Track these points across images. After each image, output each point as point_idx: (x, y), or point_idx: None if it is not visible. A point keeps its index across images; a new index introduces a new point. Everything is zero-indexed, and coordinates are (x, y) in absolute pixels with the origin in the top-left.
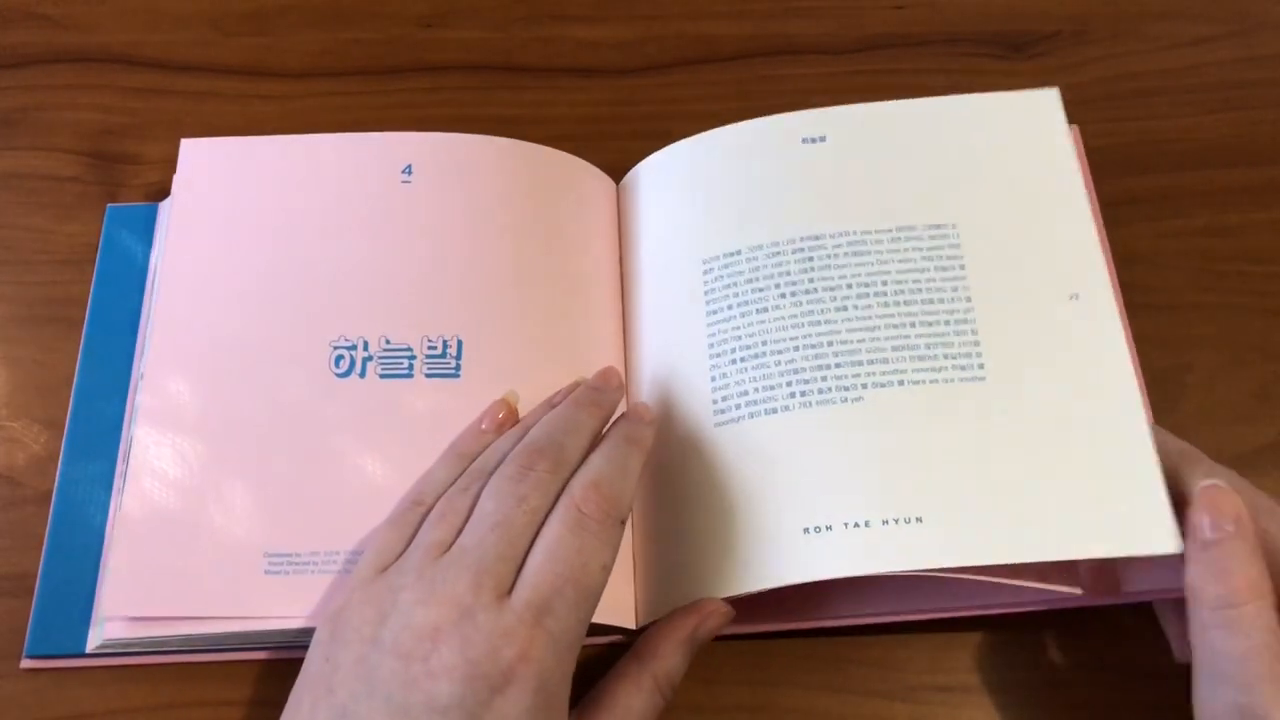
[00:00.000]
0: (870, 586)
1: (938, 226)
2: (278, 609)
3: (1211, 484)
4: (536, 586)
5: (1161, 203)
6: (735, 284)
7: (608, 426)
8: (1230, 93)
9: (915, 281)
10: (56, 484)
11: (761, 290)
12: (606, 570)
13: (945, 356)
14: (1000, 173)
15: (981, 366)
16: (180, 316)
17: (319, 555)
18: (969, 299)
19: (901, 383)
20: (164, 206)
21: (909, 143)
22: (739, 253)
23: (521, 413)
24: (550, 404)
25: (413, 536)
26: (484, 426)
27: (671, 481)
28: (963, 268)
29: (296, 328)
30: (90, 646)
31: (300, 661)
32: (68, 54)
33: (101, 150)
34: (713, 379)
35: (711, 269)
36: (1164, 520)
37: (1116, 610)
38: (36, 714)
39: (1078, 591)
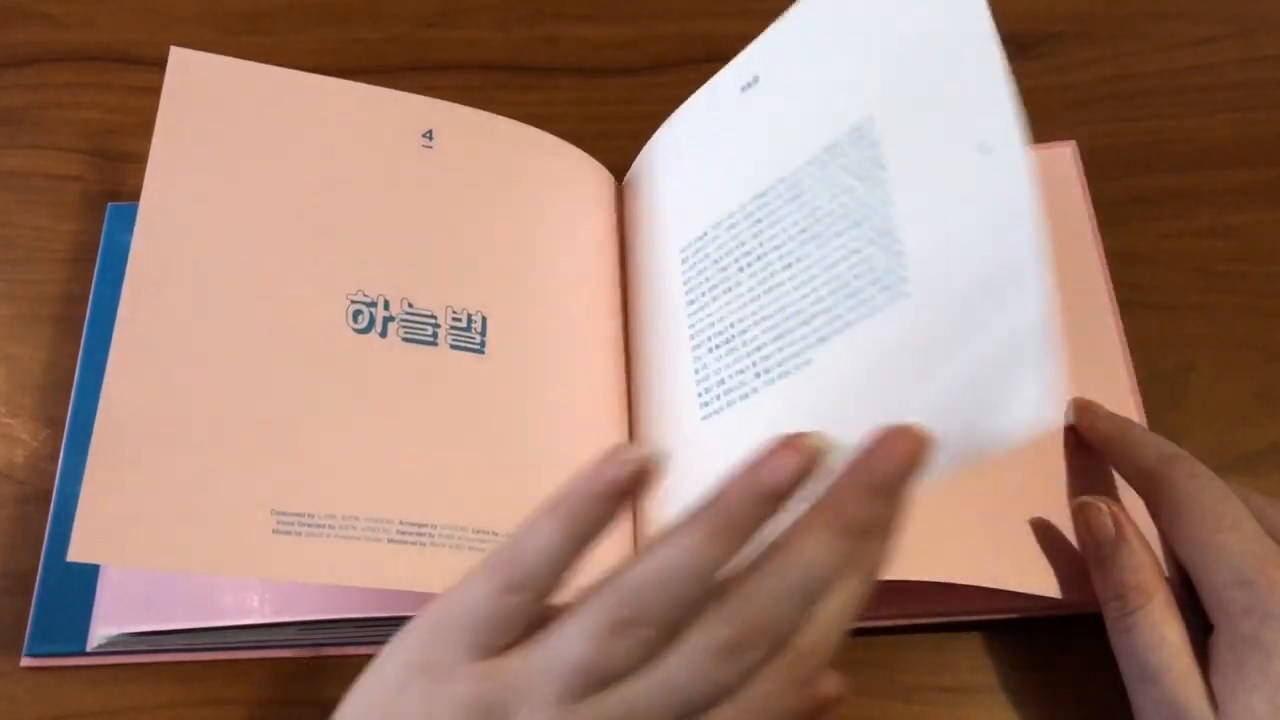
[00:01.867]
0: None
1: (856, 129)
2: (288, 571)
3: (1083, 502)
4: None
5: (1163, 203)
6: (705, 268)
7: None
8: (1232, 93)
9: (844, 206)
10: (57, 482)
11: (725, 269)
12: None
13: (872, 282)
14: (915, 42)
15: (906, 279)
16: (168, 251)
17: (335, 519)
18: (889, 202)
19: (840, 331)
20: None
21: (829, 49)
22: (705, 234)
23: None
24: (758, 488)
25: (622, 667)
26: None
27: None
28: (882, 167)
29: (307, 274)
30: (91, 644)
31: (301, 661)
32: (69, 53)
33: (103, 149)
34: (695, 371)
35: (687, 257)
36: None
37: None
38: (36, 713)
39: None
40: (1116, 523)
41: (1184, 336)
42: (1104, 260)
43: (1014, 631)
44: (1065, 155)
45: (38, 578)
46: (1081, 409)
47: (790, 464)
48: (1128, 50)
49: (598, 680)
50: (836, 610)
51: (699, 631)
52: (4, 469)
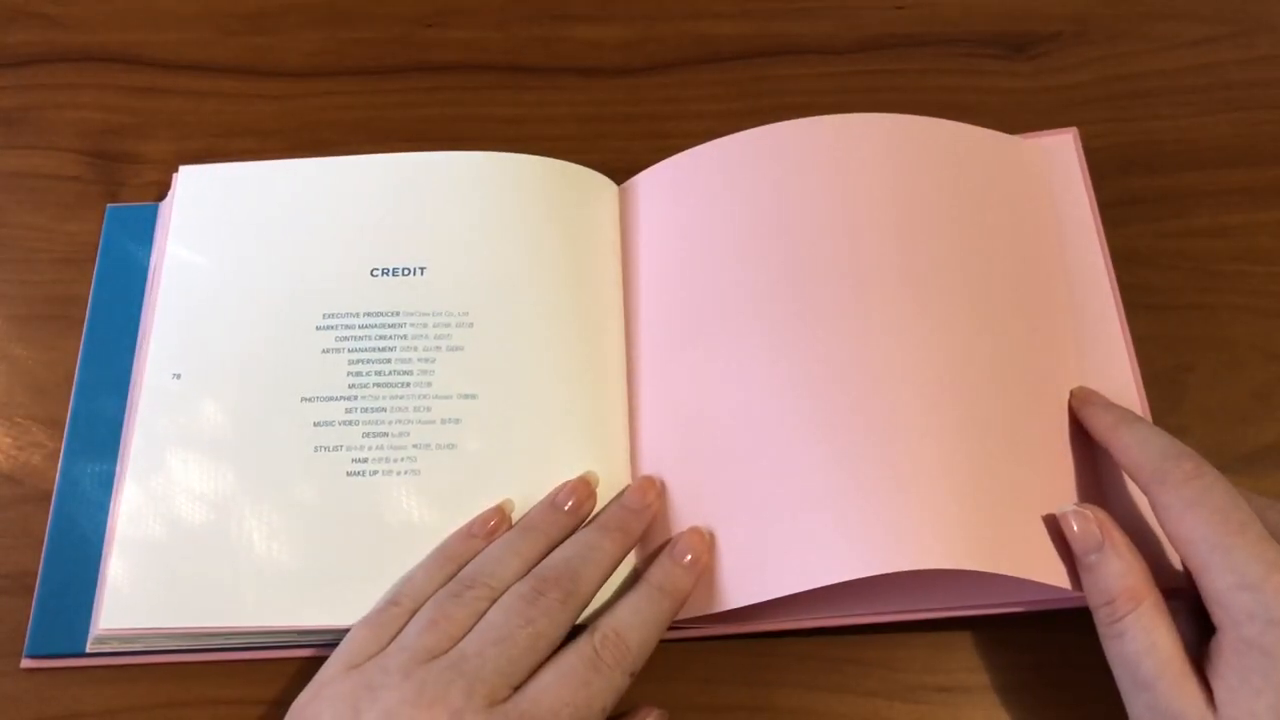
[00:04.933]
0: (870, 586)
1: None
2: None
3: (1069, 511)
4: (537, 701)
5: (1162, 203)
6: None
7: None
8: (1230, 93)
9: None
10: (57, 483)
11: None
12: (605, 713)
13: None
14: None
15: None
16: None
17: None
18: None
19: None
20: (163, 207)
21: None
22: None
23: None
24: (553, 502)
25: (390, 639)
26: (474, 532)
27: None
28: None
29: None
30: (90, 643)
31: (301, 661)
32: (69, 53)
33: (102, 149)
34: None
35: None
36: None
37: None
38: (36, 713)
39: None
40: (1102, 529)
41: (1183, 337)
42: (1106, 250)
43: (1013, 631)
44: (1067, 143)
45: (38, 578)
46: (1081, 399)
47: (569, 491)
48: (1126, 50)
49: (438, 646)
50: (598, 567)
51: (513, 587)
52: (4, 469)
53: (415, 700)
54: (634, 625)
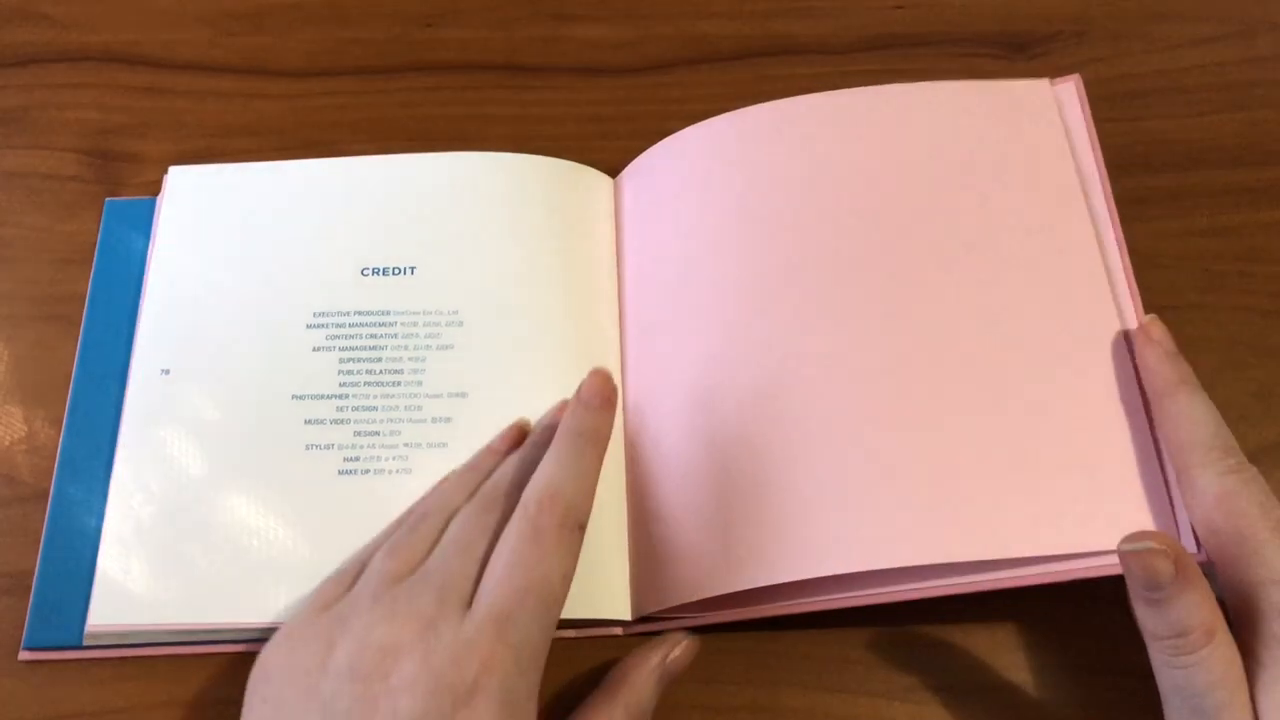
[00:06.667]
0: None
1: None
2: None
3: (1134, 547)
4: (497, 597)
5: (1162, 203)
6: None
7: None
8: (1231, 93)
9: None
10: (54, 481)
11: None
12: (568, 579)
13: None
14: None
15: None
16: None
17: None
18: None
19: None
20: (159, 204)
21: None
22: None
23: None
24: (489, 447)
25: (417, 556)
26: (495, 447)
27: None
28: None
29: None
30: (84, 639)
31: None
32: (68, 53)
33: (101, 149)
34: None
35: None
36: None
37: (1115, 611)
38: (35, 711)
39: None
40: (1178, 563)
41: (1183, 336)
42: (1111, 199)
43: (1013, 631)
44: (1069, 89)
45: (35, 576)
46: (1146, 337)
47: (504, 435)
48: (1127, 50)
49: (402, 569)
50: (547, 474)
51: (464, 507)
52: (3, 469)
53: (389, 618)
54: (565, 479)
